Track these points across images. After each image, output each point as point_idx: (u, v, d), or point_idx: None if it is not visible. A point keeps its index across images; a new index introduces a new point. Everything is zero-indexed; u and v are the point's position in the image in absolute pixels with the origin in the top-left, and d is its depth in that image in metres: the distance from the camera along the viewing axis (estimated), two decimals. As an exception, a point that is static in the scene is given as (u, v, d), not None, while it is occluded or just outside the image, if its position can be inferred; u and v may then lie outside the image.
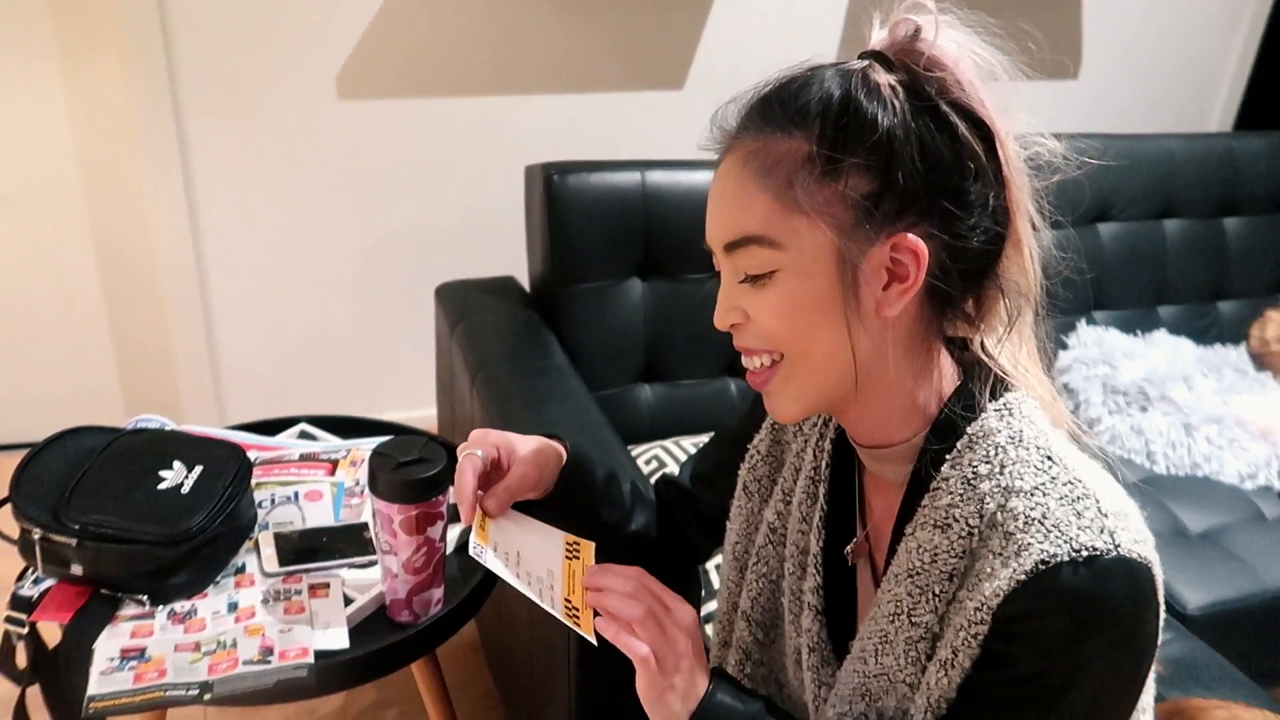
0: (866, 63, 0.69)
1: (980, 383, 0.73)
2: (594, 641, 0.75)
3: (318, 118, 2.17)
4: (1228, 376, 2.06)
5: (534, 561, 0.81)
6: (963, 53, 0.68)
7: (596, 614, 0.76)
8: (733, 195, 0.71)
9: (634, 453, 1.62)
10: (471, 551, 0.83)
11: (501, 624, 1.48)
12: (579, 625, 0.77)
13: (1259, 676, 1.28)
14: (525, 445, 0.91)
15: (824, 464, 0.84)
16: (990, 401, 0.72)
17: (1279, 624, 1.55)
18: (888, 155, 0.66)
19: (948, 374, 0.75)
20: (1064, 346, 2.07)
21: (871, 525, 0.83)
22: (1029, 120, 0.71)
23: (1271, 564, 1.58)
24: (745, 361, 0.76)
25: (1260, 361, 2.15)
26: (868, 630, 0.76)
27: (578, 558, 0.81)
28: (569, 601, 0.78)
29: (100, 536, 1.01)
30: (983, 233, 0.69)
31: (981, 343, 0.76)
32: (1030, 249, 0.72)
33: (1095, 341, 2.05)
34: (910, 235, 0.67)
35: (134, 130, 2.08)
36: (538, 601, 0.78)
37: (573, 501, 0.93)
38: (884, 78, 0.68)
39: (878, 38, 0.71)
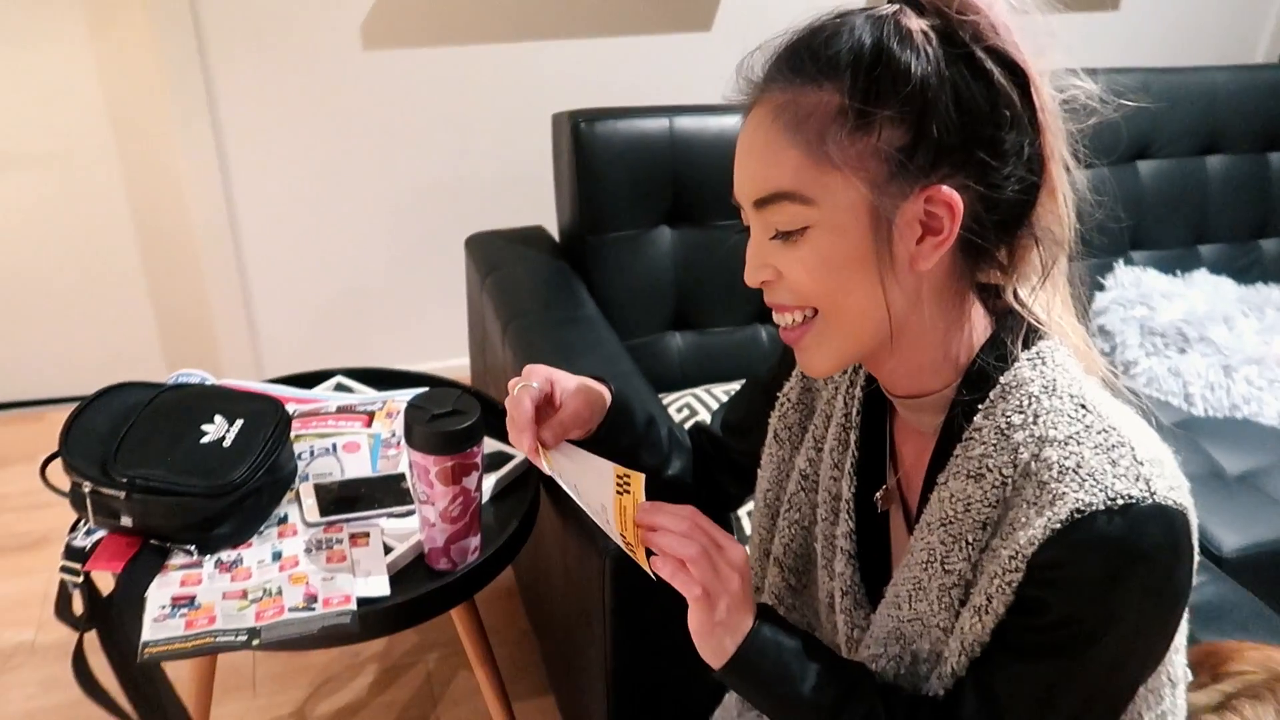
0: (897, 7, 0.67)
1: (1013, 331, 0.72)
2: (652, 576, 0.76)
3: (344, 69, 2.16)
4: (1270, 316, 2.02)
5: (590, 494, 0.82)
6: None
7: (649, 552, 0.77)
8: (762, 150, 0.69)
9: (665, 401, 1.63)
10: (548, 472, 0.85)
11: (537, 570, 1.50)
12: (637, 558, 0.78)
13: (1295, 618, 1.28)
14: (575, 383, 0.92)
15: (855, 411, 0.84)
16: (1023, 350, 0.71)
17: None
18: (921, 106, 0.64)
19: (980, 323, 0.74)
20: (1101, 288, 2.04)
21: (903, 472, 0.83)
22: (1066, 57, 0.69)
23: (1310, 506, 1.57)
24: (777, 317, 0.75)
25: (1304, 300, 2.10)
26: (901, 576, 0.77)
27: (628, 492, 0.82)
28: (623, 537, 0.79)
29: (147, 489, 1.04)
30: (1017, 181, 0.68)
31: (1014, 291, 0.75)
32: (1065, 195, 0.71)
33: (1133, 282, 2.02)
34: (945, 187, 0.66)
35: (163, 86, 2.09)
36: (604, 530, 0.80)
37: (615, 444, 0.94)
38: (916, 23, 0.66)
39: None
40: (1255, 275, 2.16)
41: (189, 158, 2.14)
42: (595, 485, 0.83)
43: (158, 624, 1.00)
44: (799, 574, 0.93)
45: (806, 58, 0.68)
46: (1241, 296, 2.06)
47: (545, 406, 0.89)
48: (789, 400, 0.93)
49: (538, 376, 0.90)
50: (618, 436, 0.94)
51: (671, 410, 1.60)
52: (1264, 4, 2.85)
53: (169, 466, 1.06)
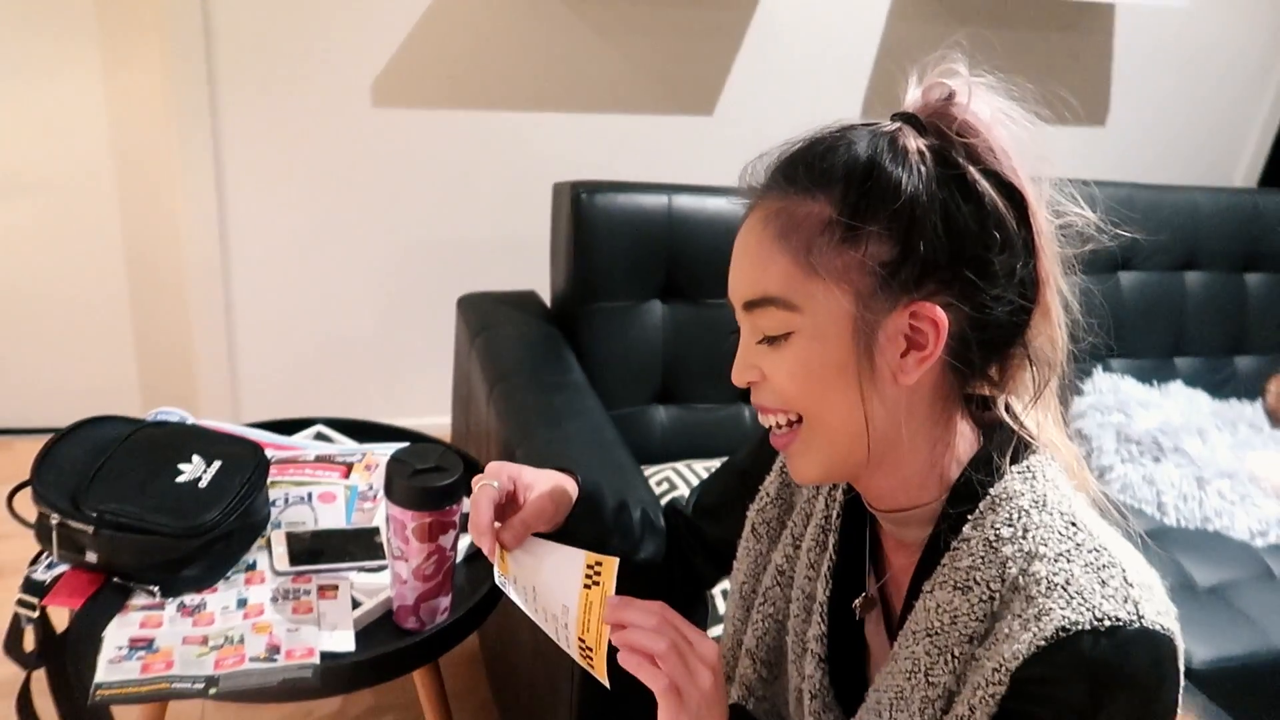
0: (897, 125, 0.69)
1: (1002, 445, 0.72)
2: (606, 684, 0.75)
3: (351, 123, 2.20)
4: (1242, 432, 2.05)
5: (550, 596, 0.81)
6: (996, 119, 0.68)
7: (615, 649, 0.76)
8: (754, 254, 0.70)
9: (646, 473, 1.62)
10: (497, 582, 0.83)
11: (504, 637, 1.48)
12: (593, 667, 0.77)
13: (1262, 736, 1.27)
14: (539, 478, 0.90)
15: (835, 514, 0.84)
16: (1013, 464, 0.71)
17: (1284, 685, 1.54)
18: (909, 223, 0.65)
19: (967, 436, 0.74)
20: (1079, 393, 2.07)
21: (889, 578, 0.82)
22: (1062, 180, 0.70)
23: (1279, 623, 1.57)
24: (762, 419, 0.75)
25: (1276, 418, 2.14)
26: (883, 684, 0.75)
27: (597, 584, 0.80)
28: (583, 641, 0.78)
29: (117, 525, 1.02)
30: (1007, 304, 0.68)
31: (1006, 403, 0.75)
32: (1058, 319, 0.71)
33: (1111, 389, 2.05)
34: (930, 304, 0.66)
35: (170, 125, 2.11)
36: (555, 640, 0.79)
37: (584, 535, 0.92)
38: (913, 142, 0.67)
39: (911, 98, 0.71)
40: (1229, 391, 2.20)
41: (188, 197, 2.16)
42: (558, 582, 0.81)
43: (113, 665, 0.97)
44: (771, 666, 0.91)
45: (802, 168, 0.69)
46: (1216, 410, 2.10)
47: (509, 505, 0.87)
48: (768, 495, 0.92)
49: (499, 475, 0.87)
50: (585, 528, 0.92)
51: (652, 483, 1.60)
52: (1243, 130, 2.96)
53: (141, 503, 1.04)
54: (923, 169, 0.66)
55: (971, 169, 0.66)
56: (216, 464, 1.13)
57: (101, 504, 1.03)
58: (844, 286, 0.67)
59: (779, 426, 0.74)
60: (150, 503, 1.05)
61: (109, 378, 2.39)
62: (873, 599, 0.82)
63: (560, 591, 0.81)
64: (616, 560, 0.78)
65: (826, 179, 0.67)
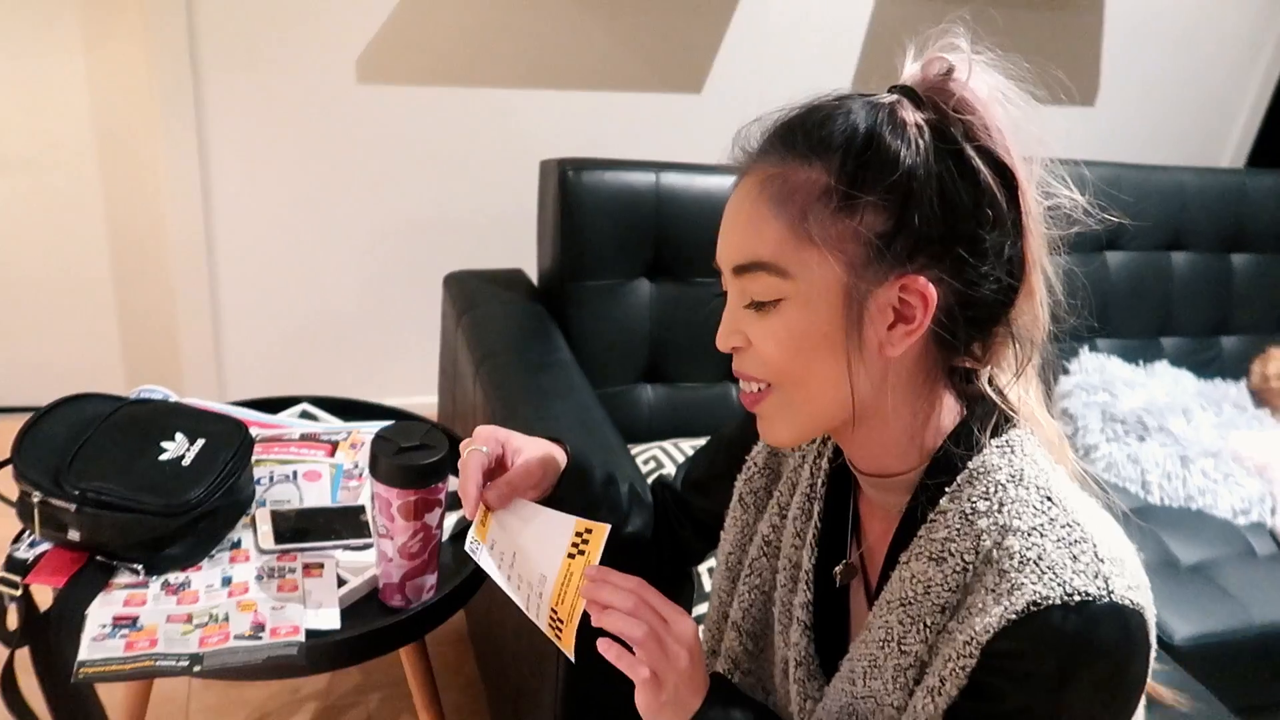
0: (895, 98, 0.69)
1: (983, 419, 0.73)
2: (571, 658, 0.76)
3: (336, 99, 2.18)
4: (1227, 411, 2.07)
5: (529, 563, 0.81)
6: (993, 97, 0.68)
7: (588, 622, 0.76)
8: (746, 219, 0.70)
9: (633, 452, 1.62)
10: (467, 547, 0.83)
11: (491, 615, 1.48)
12: (560, 639, 0.77)
13: (1241, 710, 1.29)
14: (529, 444, 0.91)
15: (820, 482, 0.84)
16: (993, 438, 0.72)
17: (1264, 659, 1.55)
18: (905, 195, 0.65)
19: (950, 408, 0.74)
20: (1065, 372, 2.08)
21: (866, 547, 0.83)
22: (1052, 162, 0.70)
23: (1260, 600, 1.59)
24: (742, 384, 0.75)
25: (1260, 398, 2.15)
26: (858, 653, 0.76)
27: (582, 553, 0.80)
28: (555, 612, 0.78)
29: (99, 503, 1.01)
30: (994, 282, 0.69)
31: (989, 377, 0.75)
32: (1042, 299, 0.72)
33: (1097, 368, 2.06)
34: (920, 278, 0.67)
35: (152, 102, 2.08)
36: (523, 609, 0.78)
37: (572, 503, 0.92)
38: (911, 115, 0.67)
39: (909, 72, 0.70)
40: (1214, 370, 2.22)
41: (171, 174, 2.13)
42: (540, 548, 0.81)
43: (96, 643, 0.96)
44: (756, 638, 0.92)
45: (800, 134, 0.69)
46: (1200, 390, 2.11)
47: (497, 469, 0.88)
48: (755, 465, 0.92)
49: (489, 440, 0.88)
50: (574, 496, 0.93)
51: (639, 461, 1.60)
52: (1232, 111, 2.96)
53: (124, 481, 1.04)
54: (921, 143, 0.66)
55: (968, 146, 0.66)
56: (200, 442, 1.12)
57: (84, 482, 1.02)
58: (837, 255, 0.66)
59: (752, 389, 0.74)
60: (133, 481, 1.04)
61: (93, 357, 2.37)
62: (853, 566, 0.83)
63: (541, 558, 0.80)
64: (607, 528, 0.78)
65: (825, 146, 0.67)
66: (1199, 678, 1.33)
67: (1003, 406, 0.73)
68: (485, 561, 0.81)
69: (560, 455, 0.93)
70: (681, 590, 1.11)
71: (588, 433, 1.31)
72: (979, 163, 0.66)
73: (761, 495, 0.92)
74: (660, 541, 1.05)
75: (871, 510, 0.82)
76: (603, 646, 0.74)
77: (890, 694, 0.73)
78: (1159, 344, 2.21)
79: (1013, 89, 0.68)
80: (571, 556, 0.81)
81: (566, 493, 0.92)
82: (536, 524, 0.84)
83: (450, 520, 1.18)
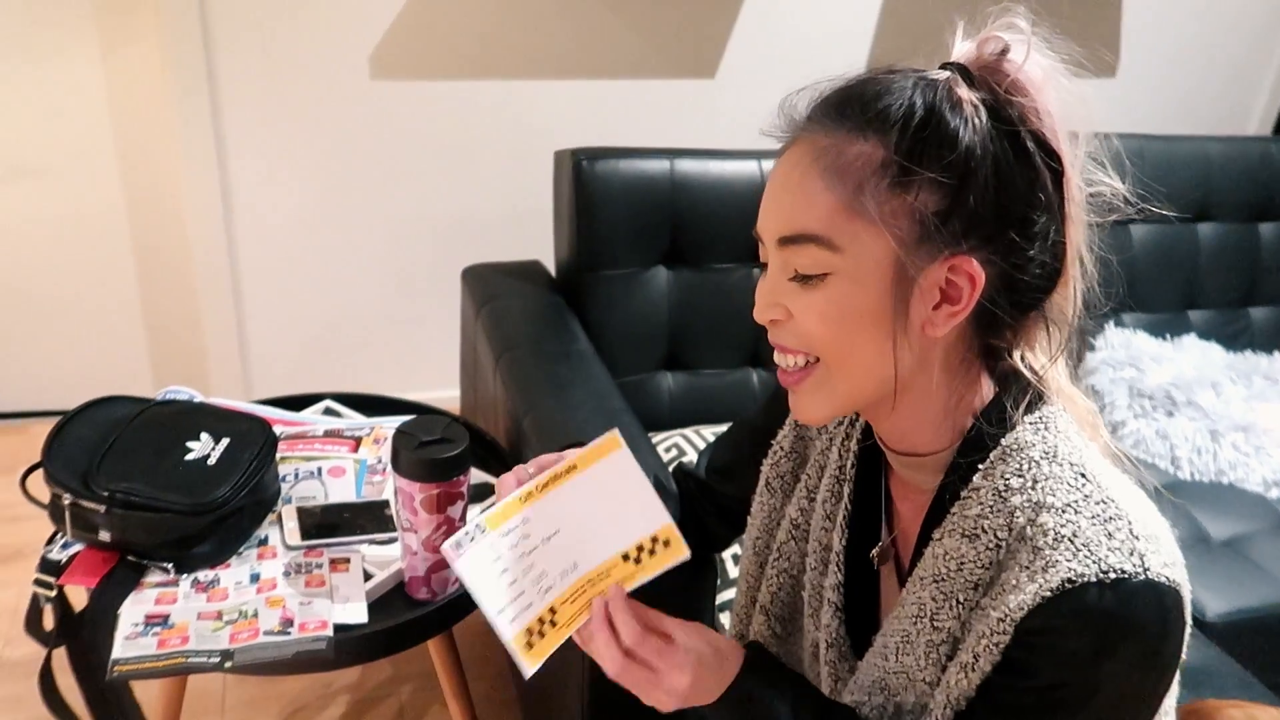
0: (950, 75, 0.67)
1: (1016, 396, 0.72)
2: (529, 672, 0.74)
3: (350, 97, 2.19)
4: (1257, 384, 2.03)
5: (563, 550, 0.74)
6: (1048, 80, 0.67)
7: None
8: (797, 189, 0.68)
9: (654, 440, 1.62)
10: (451, 540, 0.74)
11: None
12: (531, 647, 0.73)
13: (1276, 686, 1.27)
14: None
15: (850, 464, 0.84)
16: (1026, 415, 0.71)
17: (1299, 635, 1.53)
18: (963, 174, 0.65)
19: (983, 387, 0.74)
20: (1091, 348, 2.05)
21: (899, 528, 0.82)
22: (1096, 138, 0.70)
23: (1294, 574, 1.56)
24: (778, 358, 0.74)
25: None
26: (890, 629, 0.76)
27: (639, 563, 0.75)
28: (553, 611, 0.74)
29: (128, 504, 1.03)
30: (1039, 266, 0.69)
31: (1022, 355, 0.74)
32: (1076, 285, 0.72)
33: (1123, 344, 2.03)
34: (970, 259, 0.66)
35: (169, 105, 2.10)
36: (491, 613, 0.73)
37: None
38: (967, 94, 0.66)
39: (962, 50, 0.69)
40: (1244, 343, 2.18)
41: (191, 176, 2.15)
42: (596, 534, 0.75)
43: (129, 642, 0.98)
44: (785, 622, 0.92)
45: (856, 106, 0.68)
46: (1229, 363, 2.08)
47: None
48: (782, 449, 0.92)
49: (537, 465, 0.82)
50: None
51: (660, 450, 1.60)
52: (1258, 78, 2.91)
53: (151, 482, 1.05)
54: (978, 122, 0.65)
55: (1022, 128, 0.66)
56: (225, 441, 1.13)
57: (112, 483, 1.04)
58: (891, 231, 0.65)
59: (792, 367, 0.73)
60: (160, 481, 1.06)
61: (120, 360, 2.40)
62: (888, 549, 0.83)
63: (589, 545, 0.75)
64: (686, 554, 0.76)
65: (882, 120, 0.66)
66: (1233, 655, 1.32)
67: (1035, 384, 0.73)
68: (475, 552, 0.73)
69: None
70: (705, 578, 1.12)
71: (607, 422, 1.31)
72: (1032, 145, 0.66)
73: (789, 479, 0.92)
74: (685, 530, 1.04)
75: (903, 491, 0.82)
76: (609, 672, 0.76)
77: (923, 669, 0.73)
78: (1186, 317, 2.18)
79: (1064, 72, 0.68)
80: (626, 559, 0.76)
81: None
82: (617, 502, 0.76)
83: (473, 512, 1.19)
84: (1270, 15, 2.82)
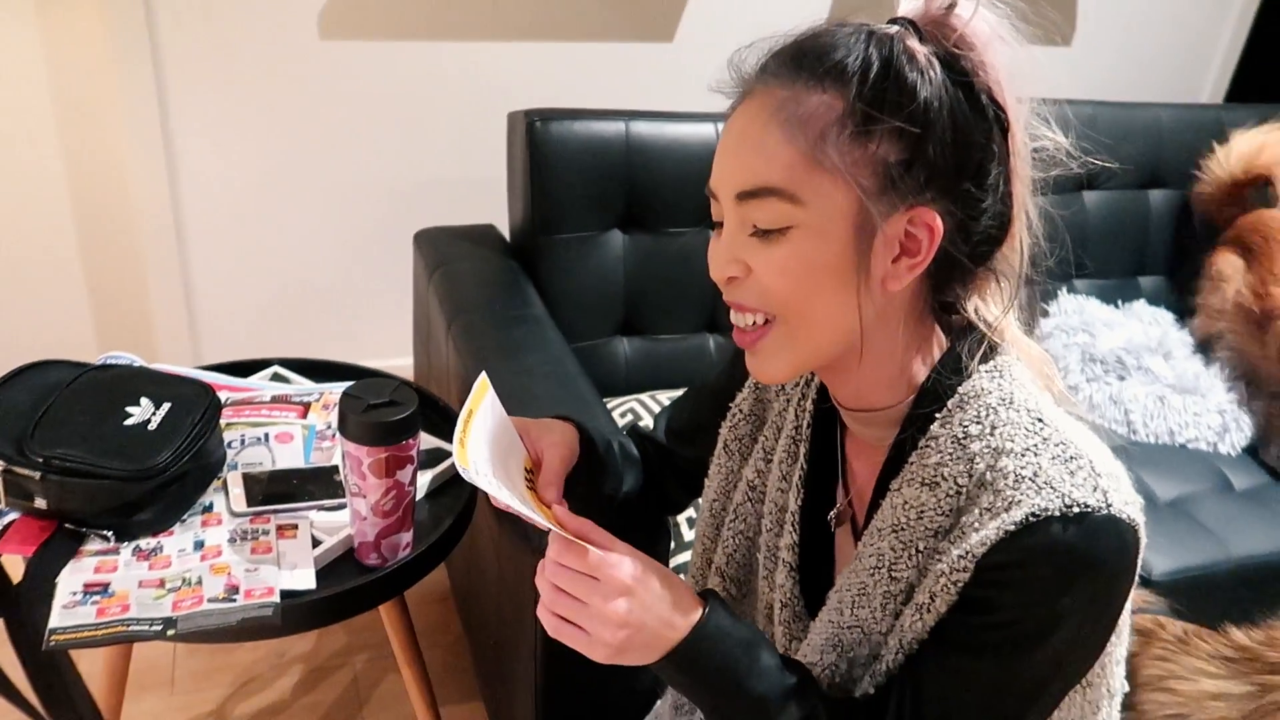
0: (899, 29, 0.67)
1: (970, 347, 0.72)
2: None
3: (299, 57, 2.13)
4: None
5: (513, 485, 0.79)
6: (993, 36, 0.67)
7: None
8: (755, 143, 0.67)
9: (609, 405, 1.61)
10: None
11: (471, 572, 1.48)
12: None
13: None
14: (540, 426, 0.90)
15: (805, 424, 0.84)
16: (981, 364, 0.72)
17: (1240, 590, 1.57)
18: (923, 125, 0.64)
19: (938, 340, 0.74)
20: (1045, 314, 2.07)
21: (854, 489, 0.82)
22: (1039, 96, 0.70)
23: (1236, 533, 1.60)
24: (735, 318, 0.73)
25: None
26: (846, 582, 0.76)
27: (532, 487, 0.81)
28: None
29: (64, 470, 1.00)
30: (992, 218, 0.69)
31: (975, 308, 0.75)
32: (1022, 238, 0.72)
33: (1076, 310, 2.06)
34: (929, 210, 0.66)
35: (110, 67, 2.03)
36: (532, 517, 0.74)
37: (582, 480, 0.92)
38: (919, 47, 0.66)
39: (911, 5, 0.69)
40: (1192, 309, 2.21)
41: (133, 139, 2.09)
42: (505, 465, 0.80)
43: (67, 611, 0.95)
44: (740, 584, 0.92)
45: (812, 58, 0.67)
46: (1178, 326, 2.11)
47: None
48: (741, 411, 0.92)
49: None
50: (585, 472, 0.92)
51: (615, 415, 1.59)
52: (1209, 46, 2.94)
53: (88, 447, 1.02)
54: (932, 74, 0.65)
55: (974, 79, 0.66)
56: (166, 406, 1.10)
57: (47, 449, 1.00)
58: (852, 183, 0.65)
59: (752, 325, 0.72)
60: (98, 446, 1.03)
61: (64, 328, 2.33)
62: (846, 509, 0.83)
63: (512, 476, 0.80)
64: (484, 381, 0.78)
65: (840, 71, 0.65)
66: (1178, 613, 1.34)
67: (989, 335, 0.73)
68: (486, 478, 0.76)
69: (574, 437, 0.92)
70: (659, 542, 1.11)
71: (561, 387, 1.30)
72: (985, 98, 0.66)
73: (746, 441, 0.91)
74: (643, 494, 1.04)
75: (858, 449, 0.82)
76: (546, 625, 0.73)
77: (878, 621, 0.73)
78: (1137, 283, 2.21)
79: (1009, 29, 0.68)
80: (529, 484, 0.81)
81: (582, 476, 0.91)
82: (506, 436, 0.82)
83: (424, 478, 1.17)
84: (1223, -16, 2.85)
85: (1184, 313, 2.16)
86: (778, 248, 0.67)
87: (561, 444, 0.89)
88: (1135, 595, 1.31)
